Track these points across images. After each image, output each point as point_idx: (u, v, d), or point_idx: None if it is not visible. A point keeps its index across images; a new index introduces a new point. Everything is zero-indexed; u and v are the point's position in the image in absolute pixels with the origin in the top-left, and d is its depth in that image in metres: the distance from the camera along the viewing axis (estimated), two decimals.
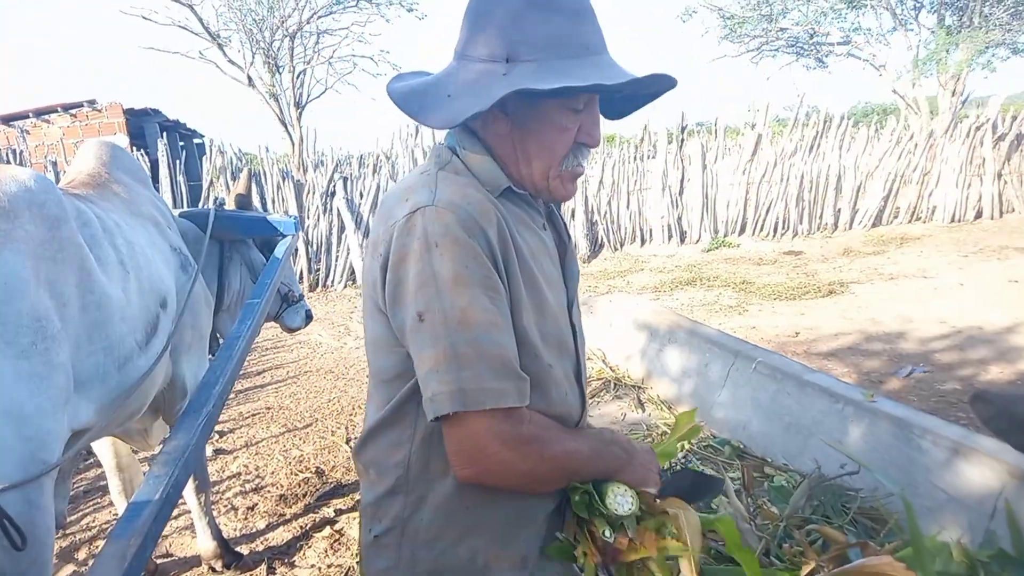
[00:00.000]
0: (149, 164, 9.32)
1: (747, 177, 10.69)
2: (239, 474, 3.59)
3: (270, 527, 3.05)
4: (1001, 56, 15.80)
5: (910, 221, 11.23)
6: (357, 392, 4.82)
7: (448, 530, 1.05)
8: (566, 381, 1.12)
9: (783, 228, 10.85)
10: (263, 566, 2.74)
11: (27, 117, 11.71)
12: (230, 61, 13.76)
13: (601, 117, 1.12)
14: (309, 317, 3.28)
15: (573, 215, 10.08)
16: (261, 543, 2.93)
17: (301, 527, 3.02)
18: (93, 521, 3.19)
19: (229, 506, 3.25)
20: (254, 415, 4.48)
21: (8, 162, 9.07)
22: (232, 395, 4.77)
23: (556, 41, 0.98)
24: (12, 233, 1.50)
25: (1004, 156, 11.21)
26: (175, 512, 2.96)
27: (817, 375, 2.95)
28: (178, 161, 9.34)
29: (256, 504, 3.25)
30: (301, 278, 9.05)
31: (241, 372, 4.89)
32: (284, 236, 2.93)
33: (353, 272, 9.10)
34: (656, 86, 1.09)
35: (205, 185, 9.15)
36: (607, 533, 1.04)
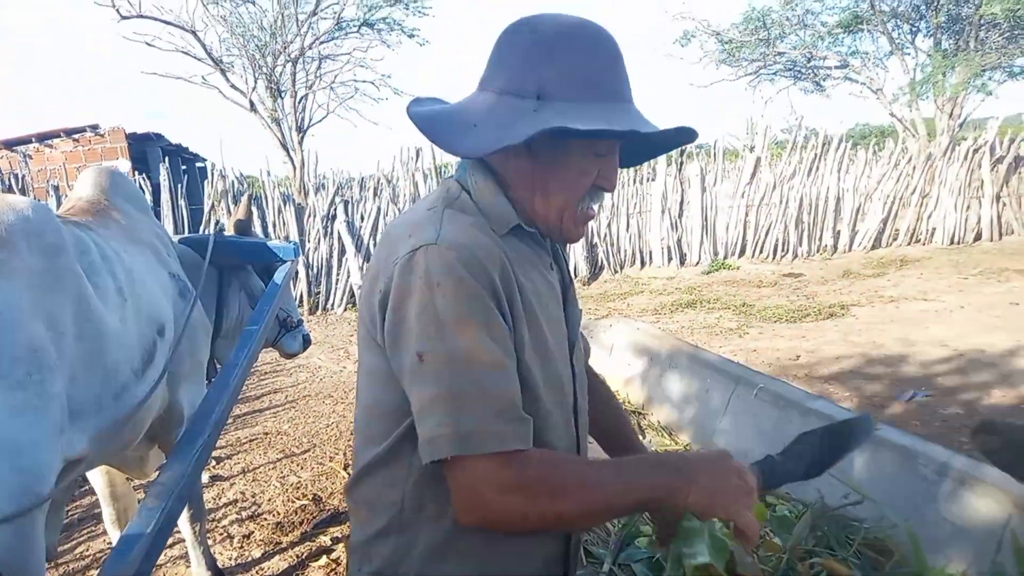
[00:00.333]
0: (151, 188, 9.35)
1: (746, 199, 10.73)
2: (235, 501, 3.55)
3: (266, 556, 3.01)
4: (997, 79, 15.91)
5: (910, 243, 11.25)
6: None
7: (440, 575, 1.03)
8: (563, 424, 1.11)
9: (783, 250, 10.86)
10: None
11: (30, 142, 11.78)
12: (232, 86, 13.86)
13: None
14: (307, 342, 3.26)
15: None
16: (257, 572, 2.89)
17: (297, 556, 2.98)
18: (87, 550, 3.15)
19: (225, 534, 3.21)
20: (252, 440, 4.45)
21: (10, 187, 9.10)
22: (230, 420, 4.73)
23: (589, 84, 0.98)
24: (9, 263, 1.49)
25: (1002, 178, 11.25)
26: (170, 540, 2.93)
27: (820, 402, 2.93)
28: (180, 185, 9.38)
29: (252, 532, 3.21)
30: (301, 301, 9.05)
31: (239, 397, 4.88)
32: (283, 262, 2.93)
33: (353, 295, 9.10)
34: (676, 138, 1.10)
35: (207, 209, 9.17)
36: None
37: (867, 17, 16.08)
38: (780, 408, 2.99)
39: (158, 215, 9.05)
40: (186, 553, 2.73)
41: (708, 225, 10.70)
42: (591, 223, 10.31)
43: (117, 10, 12.14)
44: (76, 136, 11.57)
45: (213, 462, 4.04)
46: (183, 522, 2.50)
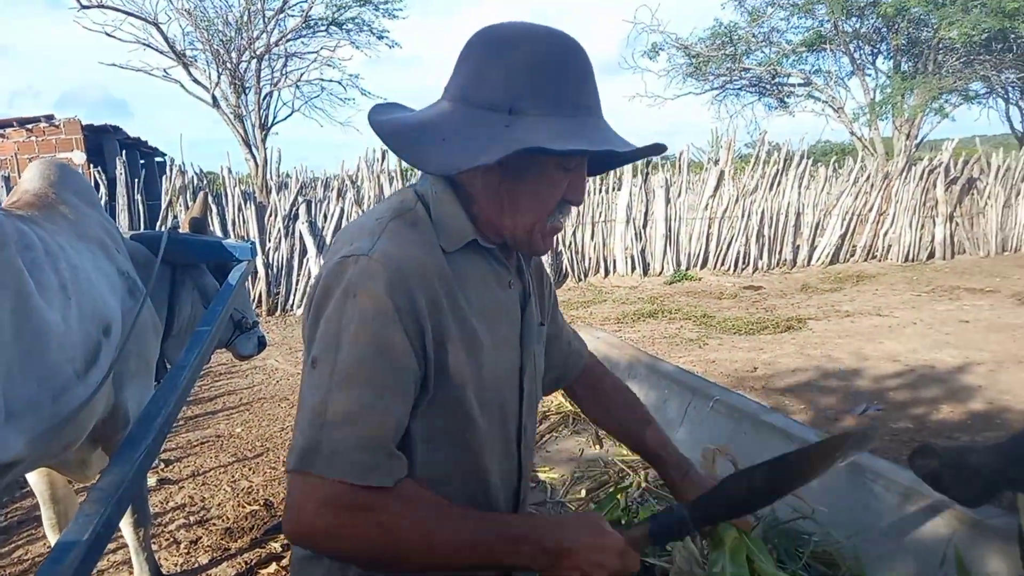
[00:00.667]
0: (107, 182, 9.12)
1: (710, 212, 10.87)
2: (184, 506, 3.47)
3: (213, 562, 2.94)
4: (954, 102, 16.40)
5: (866, 259, 11.51)
6: None
7: None
8: (503, 446, 1.09)
9: (743, 263, 11.02)
10: None
11: None
12: (195, 80, 13.61)
13: None
14: (262, 344, 3.21)
15: None
16: None
17: (246, 562, 2.92)
18: (26, 554, 3.04)
19: (171, 539, 3.13)
20: (203, 443, 4.35)
21: None
22: (180, 422, 4.63)
23: (560, 98, 0.96)
24: None
25: (956, 199, 11.59)
26: (112, 545, 2.84)
27: (774, 415, 2.96)
28: (137, 180, 9.16)
29: (200, 538, 3.13)
30: (260, 301, 8.90)
31: (191, 398, 4.77)
32: (239, 261, 2.87)
33: None
34: (646, 151, 1.09)
35: (164, 205, 8.98)
36: None
37: (830, 37, 16.45)
38: (735, 420, 3.02)
39: (113, 210, 8.83)
40: (129, 559, 2.65)
41: (672, 236, 10.81)
42: None
43: (78, 0, 11.87)
44: (30, 126, 11.23)
45: (162, 464, 3.94)
46: (126, 527, 2.43)
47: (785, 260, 11.28)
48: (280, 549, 2.99)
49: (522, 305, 1.15)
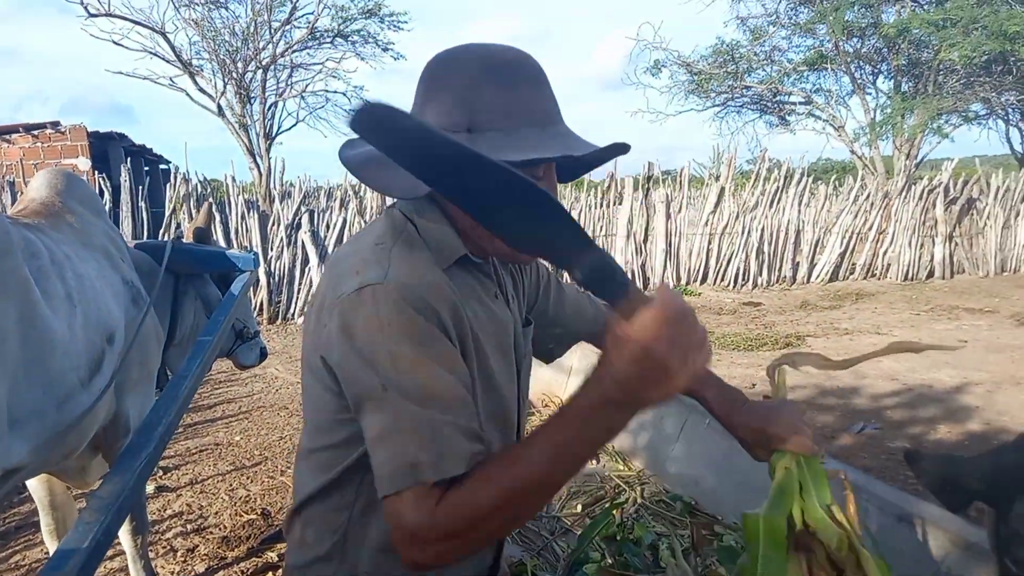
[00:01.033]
0: (112, 189, 9.17)
1: (710, 228, 10.90)
2: (181, 513, 3.47)
3: (210, 571, 2.94)
4: (953, 123, 16.47)
5: (865, 277, 11.53)
6: None
7: None
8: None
9: (743, 279, 11.05)
10: None
11: None
12: (200, 90, 13.70)
13: None
14: (263, 354, 3.22)
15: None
16: None
17: (242, 572, 2.92)
18: (23, 559, 3.05)
19: (168, 547, 3.14)
20: (201, 451, 4.36)
21: None
22: (180, 429, 4.64)
23: (518, 110, 0.98)
24: None
25: (955, 219, 11.63)
26: (110, 553, 2.85)
27: None
28: (141, 187, 9.21)
29: (197, 546, 3.14)
30: (261, 310, 8.92)
31: (191, 406, 4.77)
32: (242, 271, 2.89)
33: None
34: (610, 153, 1.10)
35: (168, 213, 9.02)
36: None
37: (831, 57, 16.56)
38: (730, 438, 3.02)
39: (118, 217, 8.87)
40: (126, 566, 2.65)
41: (672, 251, 10.85)
42: None
43: (86, 7, 11.96)
44: (36, 132, 11.30)
45: (160, 472, 3.95)
46: (124, 535, 2.44)
47: (785, 277, 11.31)
48: (276, 559, 2.99)
49: (510, 312, 1.17)
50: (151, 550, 2.97)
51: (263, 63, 13.94)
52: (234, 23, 13.91)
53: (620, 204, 10.69)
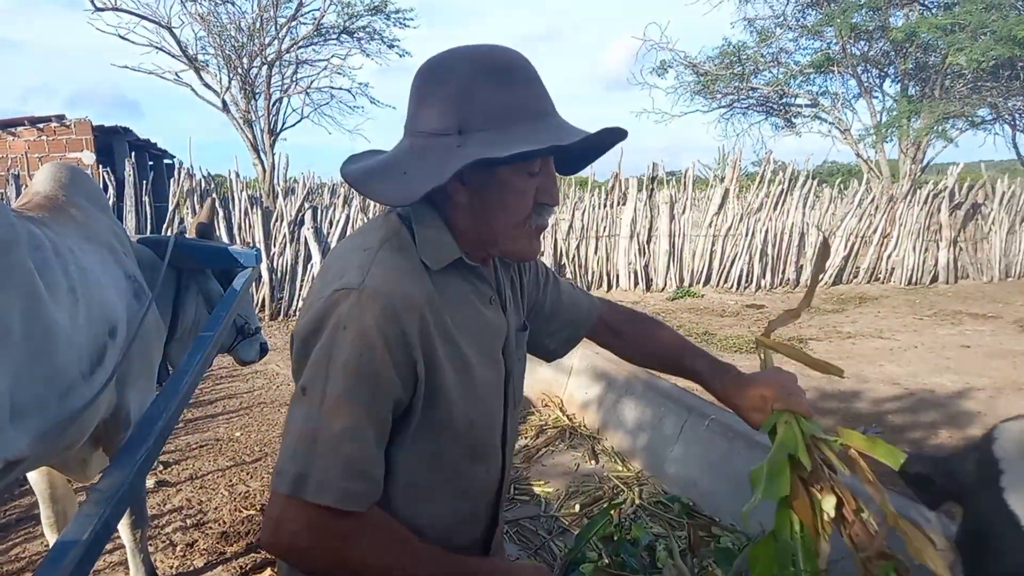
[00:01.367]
0: (116, 183, 9.19)
1: (714, 229, 10.90)
2: (181, 508, 3.49)
3: (208, 566, 2.95)
4: (960, 128, 16.42)
5: (869, 281, 11.52)
6: None
7: None
8: (494, 458, 1.13)
9: (746, 281, 11.04)
10: None
11: None
12: (205, 85, 13.70)
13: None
14: (264, 350, 3.23)
15: (542, 257, 10.14)
16: None
17: (241, 567, 2.93)
18: (23, 552, 3.06)
19: (168, 542, 3.15)
20: (202, 446, 4.37)
21: None
22: (180, 424, 4.65)
23: (507, 108, 0.99)
24: None
25: (960, 224, 11.61)
26: (109, 546, 2.86)
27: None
28: (145, 181, 9.22)
29: (196, 541, 3.15)
30: (263, 306, 8.94)
31: (192, 401, 4.78)
32: (244, 267, 2.90)
33: None
34: (609, 138, 1.10)
35: (171, 208, 9.03)
36: None
37: (838, 59, 16.51)
38: (729, 440, 3.04)
39: (121, 211, 8.89)
40: (125, 560, 2.66)
41: (675, 252, 10.84)
42: (561, 244, 10.41)
43: (92, 1, 11.97)
44: (41, 126, 11.32)
45: (160, 467, 3.96)
46: (123, 528, 2.45)
47: (788, 280, 11.30)
48: None
49: (504, 318, 1.18)
50: (150, 544, 2.98)
51: (268, 59, 13.94)
52: (240, 18, 13.91)
53: (624, 204, 10.68)
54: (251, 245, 7.90)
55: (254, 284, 6.86)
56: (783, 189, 11.03)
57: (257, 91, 14.11)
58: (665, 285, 10.79)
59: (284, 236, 9.11)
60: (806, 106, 18.17)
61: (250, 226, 9.14)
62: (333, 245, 9.11)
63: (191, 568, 2.94)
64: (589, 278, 10.64)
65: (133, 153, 10.42)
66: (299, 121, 15.39)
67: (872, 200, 11.46)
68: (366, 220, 9.12)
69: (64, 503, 2.47)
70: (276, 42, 14.01)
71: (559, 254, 10.41)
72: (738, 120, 19.13)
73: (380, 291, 0.96)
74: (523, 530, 2.98)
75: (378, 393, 0.95)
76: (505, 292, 1.21)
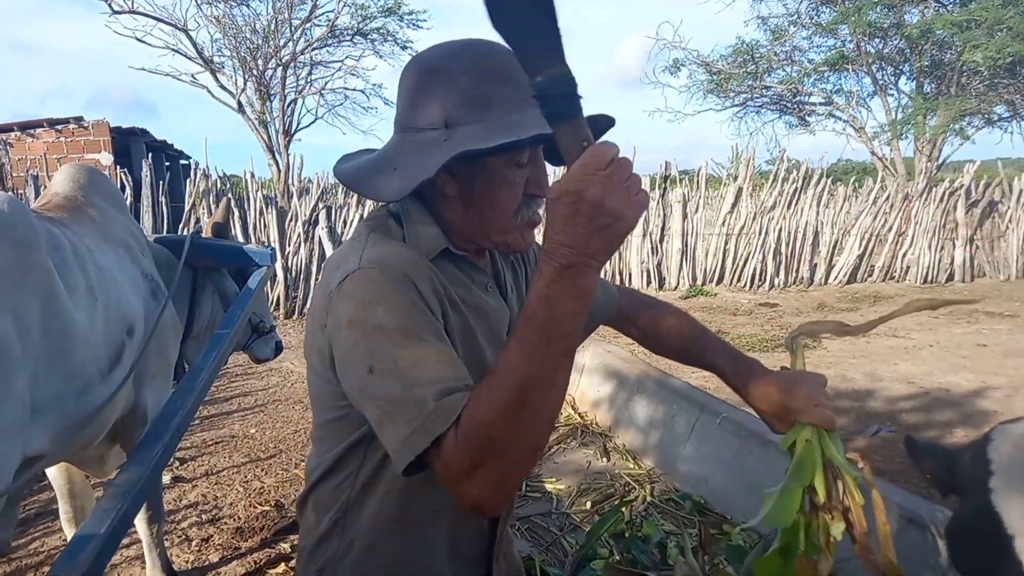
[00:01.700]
0: (133, 184, 9.28)
1: (727, 228, 10.86)
2: (196, 504, 3.53)
3: (224, 561, 2.99)
4: (976, 125, 16.27)
5: (884, 280, 11.43)
6: None
7: (371, 573, 1.09)
8: None
9: (760, 280, 10.99)
10: None
11: (11, 130, 11.66)
12: (221, 86, 13.84)
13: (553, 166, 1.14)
14: (279, 349, 3.26)
15: None
16: None
17: (255, 562, 2.97)
18: (42, 546, 3.11)
19: (183, 537, 3.19)
20: (217, 443, 4.42)
21: None
22: (196, 421, 4.70)
23: (491, 100, 1.00)
24: None
25: (976, 222, 11.50)
26: (126, 541, 2.90)
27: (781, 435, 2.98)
28: (162, 182, 9.32)
29: (211, 536, 3.19)
30: (278, 305, 9.00)
31: (207, 398, 4.84)
32: (259, 266, 2.93)
33: None
34: (597, 127, 1.07)
35: (187, 208, 9.12)
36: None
37: (853, 57, 16.40)
38: (741, 438, 3.04)
39: (138, 211, 8.98)
40: (142, 554, 2.71)
41: (688, 251, 10.81)
42: None
43: (110, 4, 12.10)
44: (59, 127, 11.47)
45: (176, 463, 4.01)
46: (140, 523, 2.49)
47: (802, 278, 11.23)
48: (289, 550, 3.03)
49: (506, 303, 1.19)
50: (166, 539, 3.02)
51: (283, 60, 14.05)
52: (255, 20, 14.04)
53: None
54: (266, 244, 7.96)
55: (269, 283, 6.92)
56: (797, 187, 10.97)
57: (272, 92, 14.22)
58: (678, 284, 10.76)
59: (299, 235, 9.17)
60: (820, 104, 18.06)
61: (265, 226, 9.20)
62: None
63: (206, 563, 2.98)
64: (601, 276, 10.62)
65: (150, 154, 10.52)
66: (313, 122, 15.55)
67: (887, 198, 11.38)
68: None
69: (82, 498, 2.51)
70: (291, 44, 14.12)
71: None
72: (751, 118, 19.06)
73: (381, 260, 0.97)
74: (535, 527, 3.00)
75: (427, 321, 0.94)
76: (506, 279, 1.22)
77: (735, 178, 11.25)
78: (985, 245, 11.71)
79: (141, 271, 2.22)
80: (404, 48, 15.40)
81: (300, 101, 14.97)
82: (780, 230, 10.91)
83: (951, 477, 1.09)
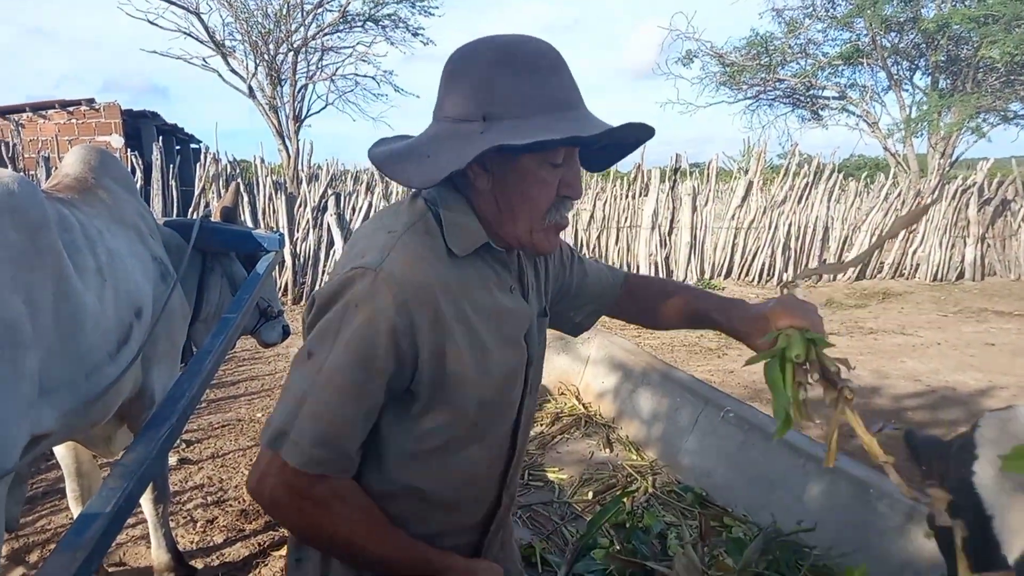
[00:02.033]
0: (143, 167, 9.32)
1: (736, 222, 10.82)
2: (202, 486, 3.56)
3: (228, 542, 3.02)
4: (991, 122, 16.10)
5: (893, 277, 11.38)
6: None
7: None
8: (503, 440, 1.17)
9: (768, 274, 10.95)
10: None
11: (23, 111, 11.70)
12: (232, 71, 13.83)
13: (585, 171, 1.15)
14: (286, 333, 3.28)
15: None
16: (217, 558, 2.91)
17: (259, 544, 3.00)
18: (49, 524, 3.15)
19: (189, 518, 3.22)
20: (224, 426, 4.45)
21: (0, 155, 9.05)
22: (203, 404, 4.74)
23: (531, 98, 0.99)
24: None
25: (988, 220, 11.41)
26: (131, 520, 2.94)
27: None
28: (172, 166, 9.35)
29: (216, 518, 3.22)
30: (286, 290, 9.04)
31: (215, 382, 4.87)
32: (267, 251, 2.95)
33: None
34: (635, 135, 1.10)
35: (197, 192, 9.15)
36: None
37: (868, 51, 16.25)
38: (744, 431, 3.04)
39: (148, 194, 9.02)
40: (147, 534, 2.73)
41: (697, 244, 10.78)
42: (582, 234, 10.40)
43: None
44: (71, 109, 11.51)
45: (183, 445, 4.05)
46: (146, 503, 2.52)
47: None
48: None
49: (527, 304, 1.19)
50: (172, 520, 3.06)
51: (294, 45, 14.02)
52: (267, 5, 13.99)
53: (646, 195, 10.63)
54: (275, 230, 7.98)
55: (277, 268, 6.94)
56: (808, 182, 10.91)
57: (283, 77, 14.21)
58: (686, 277, 10.74)
59: (307, 222, 9.20)
60: (834, 98, 17.92)
61: (274, 211, 9.23)
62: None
63: (211, 544, 3.01)
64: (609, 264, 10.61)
65: (161, 137, 10.55)
66: (324, 108, 15.49)
67: (899, 194, 11.30)
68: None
69: (89, 478, 2.54)
70: (302, 29, 14.08)
71: (580, 244, 10.39)
72: (764, 112, 18.94)
73: (396, 277, 0.98)
74: (536, 515, 3.01)
75: (374, 376, 0.99)
76: (528, 279, 1.22)
77: (746, 171, 11.20)
78: (996, 244, 11.63)
79: (151, 254, 2.23)
80: (416, 35, 15.34)
81: (311, 87, 14.95)
82: (790, 225, 10.87)
83: (942, 465, 1.10)
